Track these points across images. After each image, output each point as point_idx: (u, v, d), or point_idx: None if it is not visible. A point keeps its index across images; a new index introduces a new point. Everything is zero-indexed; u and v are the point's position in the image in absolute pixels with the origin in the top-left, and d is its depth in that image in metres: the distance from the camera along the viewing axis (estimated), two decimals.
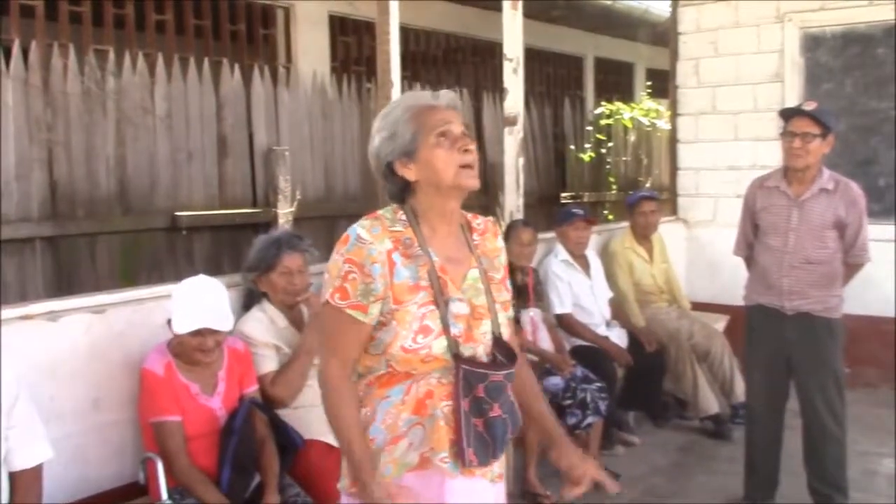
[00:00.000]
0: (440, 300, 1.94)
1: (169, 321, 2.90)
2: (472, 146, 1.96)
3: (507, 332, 2.07)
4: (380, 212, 2.02)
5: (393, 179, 2.01)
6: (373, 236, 1.93)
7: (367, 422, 1.97)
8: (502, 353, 2.01)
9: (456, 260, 2.02)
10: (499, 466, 2.07)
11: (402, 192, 2.02)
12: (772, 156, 6.06)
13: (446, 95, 2.01)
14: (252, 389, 3.13)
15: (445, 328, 1.93)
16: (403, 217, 2.00)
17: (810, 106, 3.74)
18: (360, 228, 1.95)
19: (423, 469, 1.94)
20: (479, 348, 1.99)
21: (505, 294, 2.11)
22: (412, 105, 1.99)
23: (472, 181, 1.96)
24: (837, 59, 6.18)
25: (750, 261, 4.06)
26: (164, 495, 2.85)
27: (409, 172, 1.97)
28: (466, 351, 1.95)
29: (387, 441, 1.95)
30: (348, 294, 1.92)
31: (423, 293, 1.94)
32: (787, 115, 3.80)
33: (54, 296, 3.98)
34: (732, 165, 6.49)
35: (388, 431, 1.95)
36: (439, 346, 1.92)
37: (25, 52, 4.82)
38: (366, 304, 1.92)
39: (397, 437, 1.95)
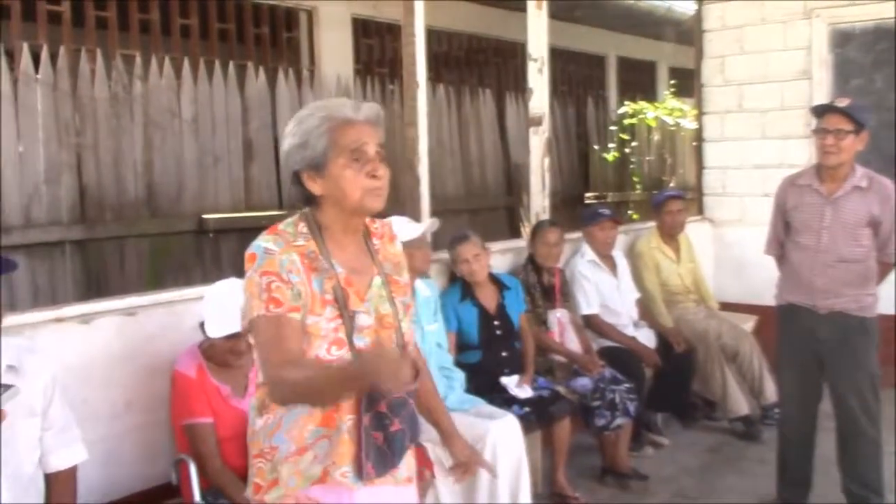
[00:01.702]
0: (345, 314, 1.91)
1: (202, 324, 2.91)
2: (382, 171, 1.92)
3: (409, 340, 2.07)
4: (280, 226, 1.97)
5: (299, 188, 1.96)
6: (280, 249, 1.89)
7: (272, 430, 1.95)
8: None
9: (359, 270, 1.99)
10: (406, 470, 2.06)
11: (307, 201, 1.98)
12: (800, 154, 6.02)
13: (367, 109, 1.95)
14: None
15: (350, 342, 1.91)
16: (305, 230, 1.95)
17: (843, 102, 3.69)
18: (264, 243, 1.91)
19: (325, 483, 1.93)
20: None
21: (406, 299, 2.09)
22: (329, 116, 1.92)
23: (377, 204, 1.93)
24: (867, 54, 6.10)
25: (781, 260, 4.01)
26: (197, 496, 2.86)
27: (315, 186, 1.92)
28: None
29: (291, 452, 1.93)
30: (281, 301, 1.86)
31: (329, 307, 1.91)
32: (820, 111, 3.75)
33: (84, 299, 4.03)
34: (759, 164, 6.42)
35: (293, 442, 1.93)
36: (352, 356, 1.90)
37: (54, 58, 4.86)
38: (298, 306, 1.88)
39: (303, 449, 1.93)
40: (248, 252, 1.93)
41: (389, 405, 1.93)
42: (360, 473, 1.91)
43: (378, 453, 1.93)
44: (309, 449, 1.93)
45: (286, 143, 1.96)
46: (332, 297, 1.91)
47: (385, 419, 1.93)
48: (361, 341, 1.92)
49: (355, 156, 1.89)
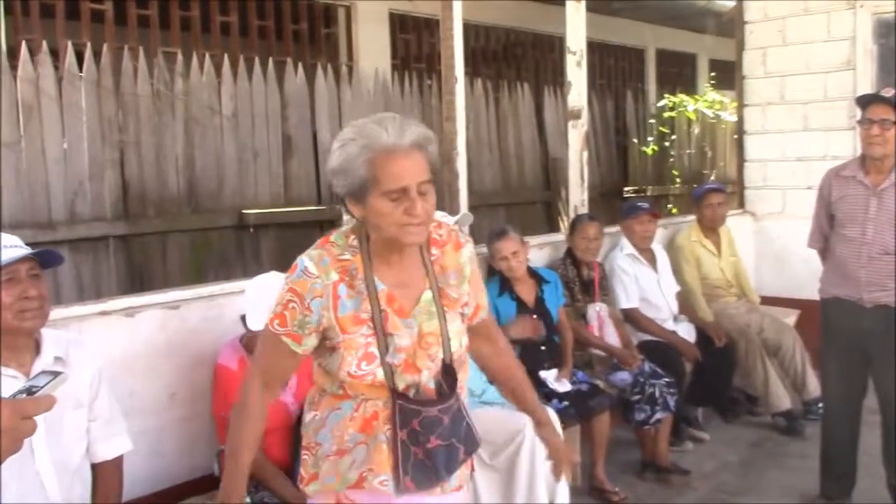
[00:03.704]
0: (380, 335, 1.91)
1: (243, 317, 2.94)
2: (421, 208, 1.83)
3: (459, 352, 2.02)
4: (332, 237, 1.97)
5: (344, 206, 1.94)
6: (319, 269, 1.89)
7: (318, 426, 2.01)
8: (448, 380, 1.98)
9: (406, 284, 1.97)
10: (456, 479, 2.05)
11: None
12: (843, 146, 5.92)
13: (412, 133, 1.85)
14: None
15: (382, 360, 1.91)
16: (355, 243, 1.94)
17: (889, 92, 3.62)
18: (308, 260, 1.92)
19: (360, 488, 1.96)
20: (424, 374, 1.95)
21: (468, 309, 2.06)
22: (370, 146, 1.82)
23: (413, 240, 1.88)
24: None
25: (825, 253, 3.96)
26: None
27: (355, 210, 1.90)
28: (405, 381, 1.93)
29: (332, 451, 1.98)
30: (286, 322, 1.91)
31: (365, 326, 1.91)
32: (865, 102, 3.69)
33: (127, 293, 4.08)
34: (801, 156, 6.33)
35: (335, 442, 1.98)
36: (381, 373, 1.91)
37: (97, 56, 4.94)
38: (300, 335, 1.91)
39: (343, 451, 1.97)
40: (295, 261, 1.95)
41: (421, 423, 1.92)
42: (398, 486, 1.93)
43: (419, 467, 1.94)
44: (348, 452, 1.96)
45: (329, 163, 1.91)
46: (369, 315, 1.91)
47: (420, 436, 1.93)
48: (395, 358, 1.91)
49: (394, 195, 1.82)
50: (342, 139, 1.88)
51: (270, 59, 5.84)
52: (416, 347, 1.94)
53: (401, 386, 1.92)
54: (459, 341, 2.02)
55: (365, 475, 1.94)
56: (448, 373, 1.98)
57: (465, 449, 2.01)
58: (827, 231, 3.91)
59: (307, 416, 2.06)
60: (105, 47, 5.04)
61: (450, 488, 2.03)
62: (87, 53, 4.90)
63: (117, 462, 2.54)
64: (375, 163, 1.82)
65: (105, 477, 2.51)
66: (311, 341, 1.93)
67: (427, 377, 1.95)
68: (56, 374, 1.32)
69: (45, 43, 4.83)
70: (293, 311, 1.89)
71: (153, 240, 5.20)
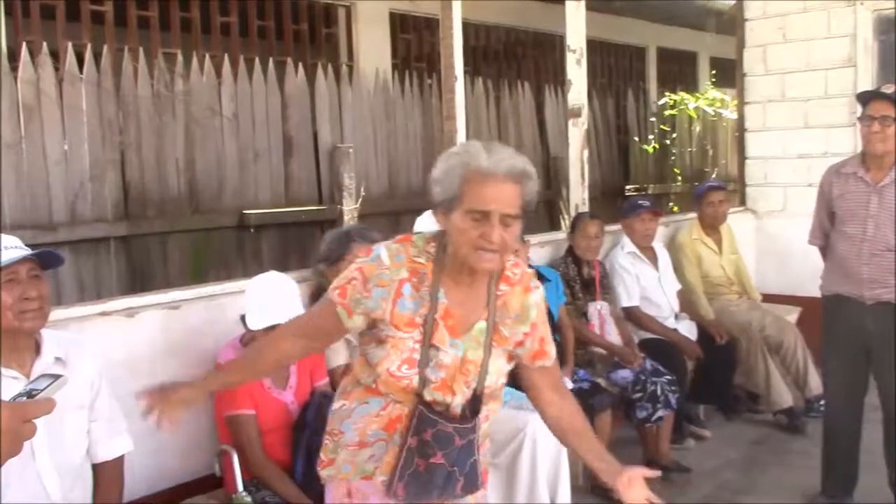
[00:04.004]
0: (426, 343, 1.96)
1: (242, 317, 2.94)
2: (497, 237, 1.86)
3: (493, 388, 2.04)
4: (414, 238, 2.04)
5: (435, 215, 2.02)
6: (392, 262, 1.96)
7: (344, 416, 2.08)
8: (472, 409, 2.01)
9: (466, 307, 2.01)
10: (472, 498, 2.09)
11: None
12: (844, 143, 5.91)
13: (511, 164, 1.89)
14: (323, 383, 3.16)
15: (421, 368, 1.96)
16: (433, 251, 2.00)
17: (890, 89, 3.61)
18: (384, 251, 1.98)
19: (371, 481, 2.04)
20: (457, 398, 2.00)
21: (521, 350, 2.07)
22: (468, 163, 1.89)
23: (482, 266, 1.92)
24: None
25: (826, 250, 3.95)
26: (240, 487, 2.89)
27: (440, 220, 1.97)
28: (435, 396, 1.98)
29: (353, 442, 2.05)
30: (345, 294, 1.98)
31: (417, 331, 1.96)
32: (865, 98, 3.69)
33: (128, 293, 4.09)
34: (803, 154, 6.32)
35: (357, 434, 2.05)
36: (417, 381, 1.97)
37: (97, 57, 4.95)
38: (352, 311, 1.98)
39: (363, 444, 2.04)
40: (374, 247, 2.02)
41: (434, 436, 1.96)
42: (390, 488, 1.99)
43: (416, 478, 1.98)
44: (368, 446, 2.04)
45: (433, 171, 1.98)
46: (422, 322, 1.96)
47: (428, 448, 1.96)
48: (434, 374, 1.96)
49: (476, 216, 1.87)
50: (450, 151, 1.99)
51: (271, 60, 5.85)
52: (457, 371, 1.99)
53: (428, 399, 1.97)
54: (497, 378, 2.06)
55: (376, 470, 2.03)
56: (475, 399, 2.02)
57: (464, 484, 2.03)
58: (828, 228, 3.91)
59: (336, 404, 2.13)
60: (105, 48, 5.05)
61: None
62: (88, 55, 4.90)
63: (118, 462, 2.54)
64: (469, 180, 1.88)
65: (106, 477, 2.51)
66: (359, 321, 1.99)
67: (458, 402, 2.00)
68: (56, 377, 1.33)
69: (45, 44, 4.83)
70: (353, 288, 1.97)
71: (154, 241, 5.21)
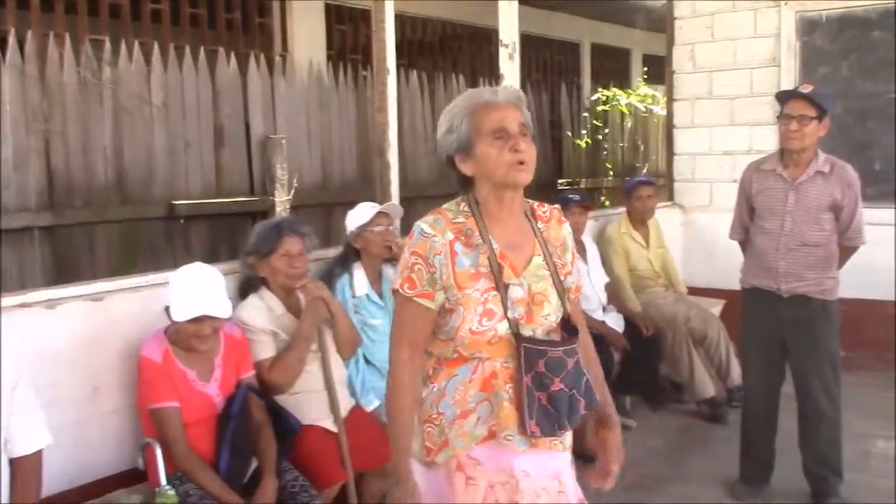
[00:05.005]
0: (500, 284, 2.04)
1: (167, 308, 2.91)
2: (524, 144, 2.03)
3: (573, 311, 2.17)
4: (444, 206, 2.14)
5: (454, 171, 2.13)
6: (435, 230, 2.06)
7: (437, 398, 2.10)
8: (567, 332, 2.12)
9: (518, 246, 2.11)
10: (569, 437, 2.19)
11: (465, 183, 2.13)
12: (767, 140, 6.07)
13: (505, 91, 2.10)
14: (249, 375, 3.15)
15: (505, 310, 2.03)
16: (466, 209, 2.11)
17: (807, 88, 3.74)
18: (423, 224, 2.08)
19: (491, 441, 2.07)
20: (539, 330, 2.08)
21: (570, 279, 2.18)
22: (470, 103, 2.08)
23: (522, 177, 2.05)
24: (834, 42, 6.18)
25: (746, 244, 4.07)
26: (164, 481, 2.86)
27: (466, 167, 2.09)
28: (527, 331, 2.05)
29: (456, 416, 2.08)
30: (415, 283, 2.05)
31: (483, 279, 2.04)
32: (784, 97, 3.81)
33: (53, 284, 4.00)
34: (728, 150, 6.49)
35: (457, 406, 2.08)
36: (503, 327, 2.03)
37: (21, 43, 4.82)
38: (432, 292, 2.04)
39: (466, 412, 2.07)
40: (411, 230, 2.10)
41: (547, 364, 2.03)
42: (524, 433, 2.03)
43: (543, 413, 2.03)
44: (472, 412, 2.07)
45: (438, 133, 2.13)
46: (488, 269, 2.04)
47: (545, 378, 2.03)
48: (514, 312, 2.03)
49: (497, 135, 2.03)
50: (447, 109, 2.13)
51: (202, 48, 5.76)
52: (531, 303, 2.07)
53: (526, 334, 2.05)
54: (571, 299, 2.17)
55: (493, 429, 2.06)
56: (566, 325, 2.12)
57: (586, 402, 2.12)
58: (748, 223, 4.03)
59: (424, 391, 2.14)
60: (30, 34, 4.91)
61: (565, 446, 2.17)
62: (11, 40, 4.77)
63: (36, 457, 2.47)
64: (477, 113, 2.06)
65: (24, 472, 2.44)
66: (441, 297, 2.05)
67: (541, 333, 2.08)
68: None
69: None
70: (420, 272, 2.04)
71: (80, 231, 5.09)
